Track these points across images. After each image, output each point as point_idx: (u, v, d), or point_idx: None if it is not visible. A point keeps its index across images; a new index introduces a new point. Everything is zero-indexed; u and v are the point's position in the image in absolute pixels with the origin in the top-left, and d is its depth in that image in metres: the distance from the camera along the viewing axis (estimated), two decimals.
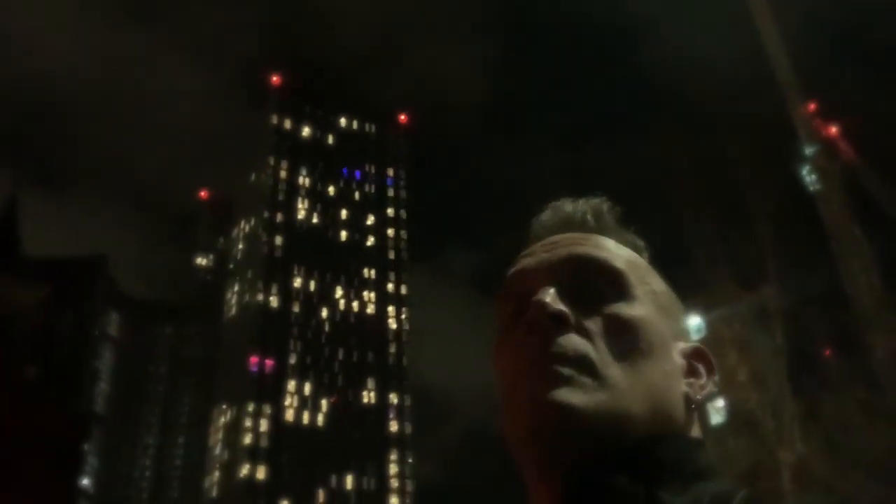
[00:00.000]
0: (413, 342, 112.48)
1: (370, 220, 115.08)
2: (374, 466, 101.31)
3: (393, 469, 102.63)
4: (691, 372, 0.86)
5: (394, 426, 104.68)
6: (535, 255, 0.88)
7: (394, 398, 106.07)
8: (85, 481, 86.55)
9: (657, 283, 0.89)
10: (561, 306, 0.80)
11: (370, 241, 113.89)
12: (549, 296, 0.80)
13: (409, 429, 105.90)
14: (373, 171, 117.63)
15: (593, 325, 0.81)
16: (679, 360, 0.85)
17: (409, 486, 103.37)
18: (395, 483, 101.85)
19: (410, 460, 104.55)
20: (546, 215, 0.94)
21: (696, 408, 0.84)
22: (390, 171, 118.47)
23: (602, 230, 0.91)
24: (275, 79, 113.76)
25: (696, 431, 0.84)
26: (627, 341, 0.80)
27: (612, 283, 0.84)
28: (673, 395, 0.82)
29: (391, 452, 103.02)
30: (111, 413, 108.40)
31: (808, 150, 30.96)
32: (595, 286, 0.84)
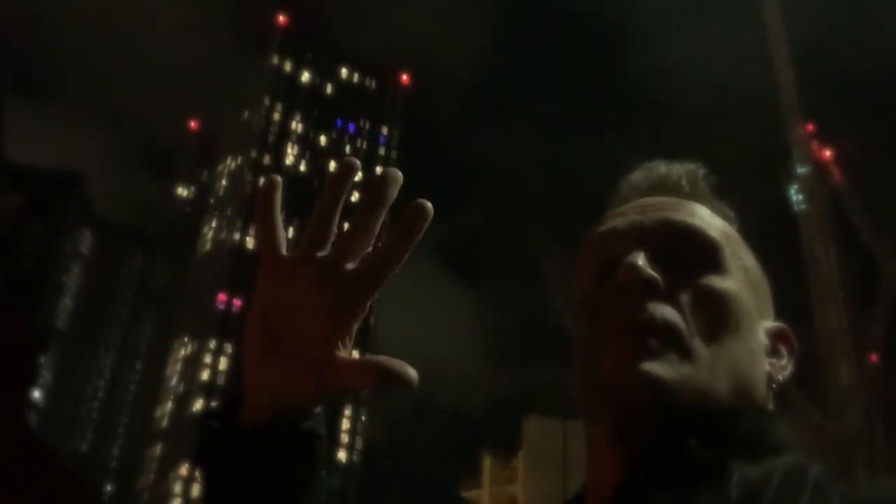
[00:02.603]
0: (380, 305, 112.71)
1: (357, 175, 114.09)
2: (326, 419, 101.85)
3: (345, 424, 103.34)
4: (774, 352, 0.84)
5: None
6: (626, 216, 0.85)
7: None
8: (36, 394, 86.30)
9: (748, 258, 0.86)
10: (653, 272, 0.78)
11: (354, 196, 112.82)
12: (641, 259, 0.78)
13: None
14: (367, 126, 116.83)
15: (683, 294, 0.78)
16: (763, 339, 0.83)
17: (359, 444, 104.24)
18: (345, 438, 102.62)
19: (363, 418, 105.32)
20: (637, 175, 0.91)
21: (777, 388, 0.83)
22: (384, 130, 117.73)
23: (696, 196, 0.87)
24: (281, 19, 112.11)
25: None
26: (716, 315, 0.78)
27: (705, 254, 0.81)
28: (756, 373, 0.80)
29: (345, 408, 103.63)
30: (71, 330, 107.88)
31: (801, 171, 31.16)
32: (687, 255, 0.81)
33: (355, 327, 0.73)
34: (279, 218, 0.75)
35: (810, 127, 32.69)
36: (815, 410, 18.14)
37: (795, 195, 30.96)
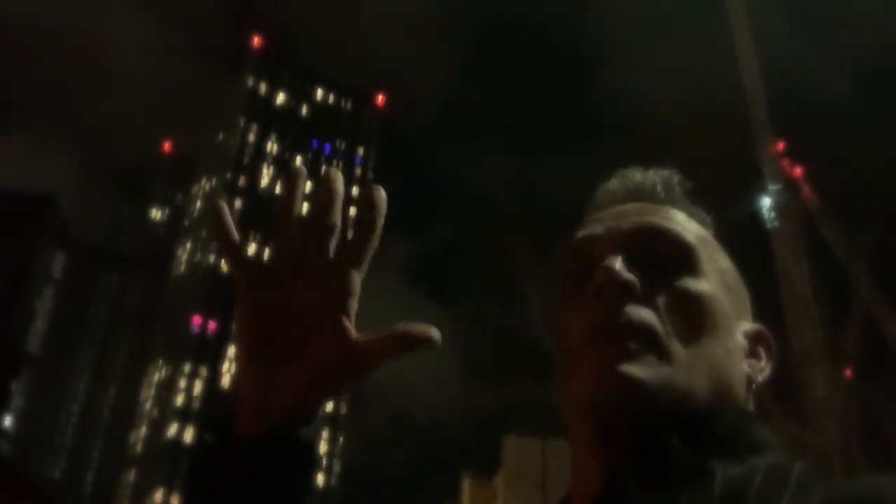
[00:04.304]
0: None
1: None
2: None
3: (323, 447, 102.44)
4: (753, 353, 0.85)
5: (329, 405, 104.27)
6: (603, 222, 0.87)
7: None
8: (7, 420, 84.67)
9: (724, 261, 0.88)
10: (630, 275, 0.79)
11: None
12: (618, 263, 0.79)
13: (344, 409, 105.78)
14: (343, 147, 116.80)
15: (660, 297, 0.79)
16: (741, 341, 0.84)
17: (337, 467, 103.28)
18: (323, 461, 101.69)
19: (342, 440, 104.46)
20: (613, 183, 0.92)
21: (756, 389, 0.84)
22: (360, 150, 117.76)
23: (671, 202, 0.89)
24: (256, 40, 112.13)
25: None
26: (693, 316, 0.79)
27: (681, 257, 0.83)
28: (734, 373, 0.81)
29: (323, 431, 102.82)
30: (44, 354, 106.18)
31: (772, 188, 31.57)
32: (664, 258, 0.82)
33: (355, 304, 0.74)
34: (234, 231, 0.76)
35: (781, 145, 33.21)
36: (793, 423, 18.29)
37: (768, 212, 31.40)
